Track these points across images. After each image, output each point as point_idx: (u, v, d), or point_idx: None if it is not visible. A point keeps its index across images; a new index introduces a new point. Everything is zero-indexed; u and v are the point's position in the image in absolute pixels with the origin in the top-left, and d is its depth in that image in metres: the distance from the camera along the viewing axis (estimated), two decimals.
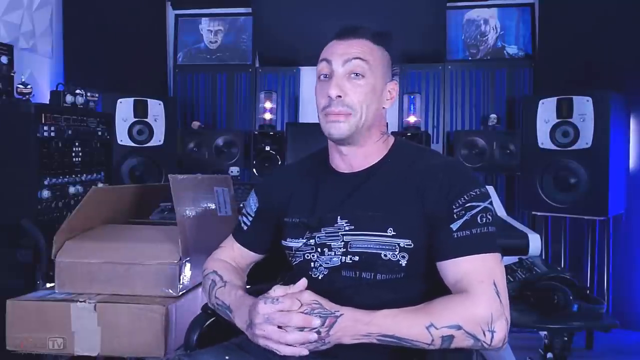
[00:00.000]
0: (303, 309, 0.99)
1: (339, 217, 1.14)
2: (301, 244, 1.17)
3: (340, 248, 1.12)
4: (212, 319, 1.27)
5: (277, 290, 1.02)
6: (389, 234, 1.08)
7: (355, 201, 1.14)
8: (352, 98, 1.12)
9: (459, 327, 0.97)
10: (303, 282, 1.03)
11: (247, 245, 1.30)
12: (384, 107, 1.19)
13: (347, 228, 1.12)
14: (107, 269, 1.56)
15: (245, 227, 1.30)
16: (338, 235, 1.13)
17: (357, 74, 1.13)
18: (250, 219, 1.29)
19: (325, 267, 1.14)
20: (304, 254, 1.17)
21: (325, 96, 1.13)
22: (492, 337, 0.98)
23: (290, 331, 0.98)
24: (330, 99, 1.12)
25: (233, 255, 1.30)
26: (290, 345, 0.98)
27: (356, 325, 0.98)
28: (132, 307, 1.49)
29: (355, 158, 1.18)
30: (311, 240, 1.16)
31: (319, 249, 1.14)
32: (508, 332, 1.01)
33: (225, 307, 1.15)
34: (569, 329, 1.84)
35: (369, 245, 1.09)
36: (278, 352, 0.99)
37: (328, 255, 1.13)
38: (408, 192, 1.11)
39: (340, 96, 1.11)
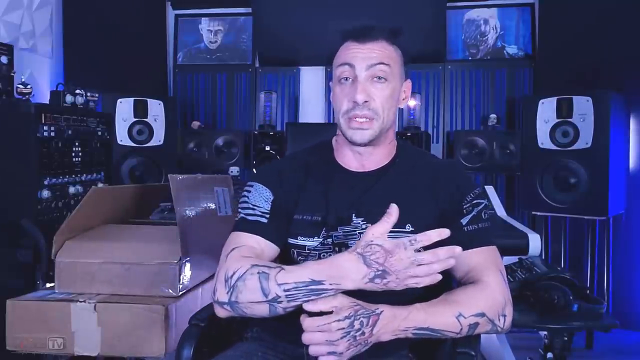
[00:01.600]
0: (348, 312, 0.97)
1: (353, 215, 1.15)
2: (317, 243, 1.15)
3: None
4: (204, 329, 1.20)
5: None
6: (407, 229, 1.12)
7: (370, 200, 1.16)
8: (377, 103, 1.13)
9: (483, 315, 1.05)
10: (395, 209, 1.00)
11: (273, 239, 1.16)
12: (399, 107, 1.21)
13: (364, 226, 1.13)
14: (107, 269, 1.56)
15: (265, 220, 1.17)
16: (355, 234, 1.13)
17: (380, 77, 1.13)
18: (267, 210, 1.17)
19: None
20: (319, 254, 1.15)
21: (350, 100, 1.13)
22: (504, 320, 1.08)
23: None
24: (355, 103, 1.13)
25: (256, 253, 1.14)
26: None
27: (395, 320, 1.00)
28: (132, 307, 1.49)
29: (369, 158, 1.20)
30: (328, 240, 1.14)
31: (336, 249, 1.14)
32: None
33: (306, 283, 0.99)
34: (569, 329, 1.84)
35: None
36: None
37: None
38: (421, 190, 1.17)
39: (367, 101, 1.13)
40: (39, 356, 1.73)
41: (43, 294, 1.60)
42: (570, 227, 3.18)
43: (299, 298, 1.00)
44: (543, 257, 3.06)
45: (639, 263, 3.03)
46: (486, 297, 1.07)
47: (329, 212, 1.15)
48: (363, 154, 1.19)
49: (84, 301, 1.51)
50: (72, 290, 1.57)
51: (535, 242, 1.93)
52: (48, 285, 1.78)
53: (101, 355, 1.52)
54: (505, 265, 2.02)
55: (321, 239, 1.15)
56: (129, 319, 1.48)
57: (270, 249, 1.16)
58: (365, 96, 1.12)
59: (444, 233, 0.98)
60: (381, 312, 0.99)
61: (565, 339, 1.84)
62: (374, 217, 1.11)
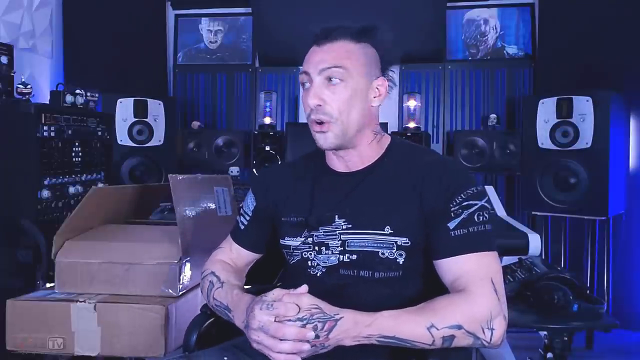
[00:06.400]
0: (302, 314, 0.97)
1: (336, 216, 1.14)
2: (299, 242, 1.17)
3: (337, 247, 1.13)
4: (211, 320, 1.26)
5: (276, 293, 1.01)
6: (386, 232, 1.09)
7: (353, 200, 1.15)
8: (332, 106, 1.12)
9: (459, 327, 0.98)
10: (304, 287, 1.01)
11: (244, 244, 1.29)
12: (372, 105, 1.17)
13: (344, 227, 1.13)
14: (107, 269, 1.57)
15: (242, 227, 1.29)
16: (335, 234, 1.14)
17: (332, 79, 1.12)
18: (248, 218, 1.29)
19: (323, 266, 1.14)
20: (301, 253, 1.17)
21: (307, 106, 1.15)
22: (492, 334, 1.00)
23: (283, 341, 0.96)
24: (311, 108, 1.14)
25: (231, 256, 1.29)
26: (283, 352, 0.97)
27: (356, 327, 0.98)
28: (132, 307, 1.49)
29: (351, 159, 1.19)
30: (309, 239, 1.16)
31: (316, 248, 1.15)
32: (506, 330, 1.03)
33: (224, 307, 1.15)
34: (569, 329, 1.84)
35: (366, 244, 1.10)
36: (271, 358, 0.98)
37: (325, 254, 1.14)
38: (405, 190, 1.12)
39: (320, 105, 1.13)
40: (39, 356, 1.73)
41: (43, 294, 1.60)
42: (570, 227, 3.18)
43: (221, 314, 1.17)
44: (543, 257, 3.06)
45: (639, 263, 3.03)
46: (466, 308, 0.99)
47: (311, 213, 1.17)
48: (343, 156, 1.19)
49: (84, 301, 1.51)
50: (72, 290, 1.58)
51: (535, 242, 1.92)
52: (48, 285, 1.78)
53: (101, 355, 1.52)
54: (505, 265, 2.03)
55: (303, 239, 1.17)
56: (129, 319, 1.48)
57: (244, 254, 1.30)
58: (317, 100, 1.12)
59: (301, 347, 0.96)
60: (340, 317, 0.97)
61: (565, 339, 1.84)
62: (355, 218, 1.13)
